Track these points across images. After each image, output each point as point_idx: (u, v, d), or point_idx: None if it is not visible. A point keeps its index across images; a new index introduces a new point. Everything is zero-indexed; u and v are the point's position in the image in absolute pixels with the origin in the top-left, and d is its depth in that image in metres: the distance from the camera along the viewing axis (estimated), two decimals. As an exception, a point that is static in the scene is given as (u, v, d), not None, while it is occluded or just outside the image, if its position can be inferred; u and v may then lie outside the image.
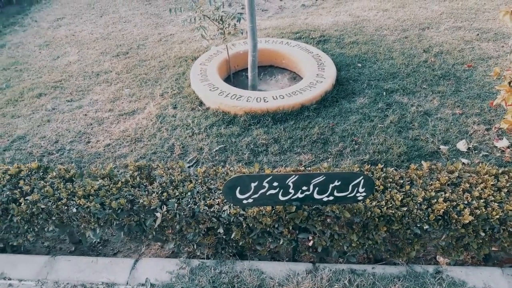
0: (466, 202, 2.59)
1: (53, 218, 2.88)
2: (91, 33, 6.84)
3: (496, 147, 4.02)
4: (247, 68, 5.03)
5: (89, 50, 6.28)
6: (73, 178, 3.07)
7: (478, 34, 6.00)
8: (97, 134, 4.49)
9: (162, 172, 2.99)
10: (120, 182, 2.92)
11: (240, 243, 2.80)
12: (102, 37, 6.69)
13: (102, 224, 2.85)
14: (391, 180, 2.80)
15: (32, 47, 6.52)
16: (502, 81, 2.50)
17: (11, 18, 7.69)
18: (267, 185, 2.49)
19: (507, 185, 2.70)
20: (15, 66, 5.97)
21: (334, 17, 6.83)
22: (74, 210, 2.77)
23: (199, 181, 2.89)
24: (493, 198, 2.60)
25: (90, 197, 2.83)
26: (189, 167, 3.96)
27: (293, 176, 2.47)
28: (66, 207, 2.81)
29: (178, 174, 2.95)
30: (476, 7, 6.91)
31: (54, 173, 3.06)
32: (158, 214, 2.69)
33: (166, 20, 7.17)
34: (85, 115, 4.79)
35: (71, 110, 4.90)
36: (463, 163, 3.80)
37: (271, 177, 2.47)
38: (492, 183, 2.72)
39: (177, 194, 2.76)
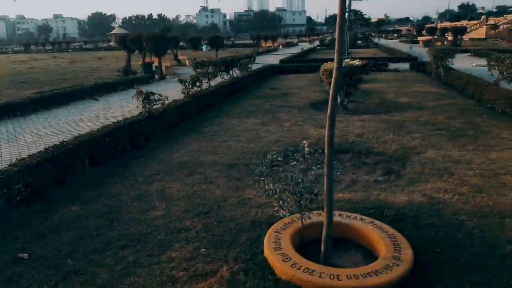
0: None
1: None
2: (178, 190, 7.57)
3: None
4: (320, 240, 5.12)
5: (175, 207, 6.88)
6: None
7: None
8: (170, 293, 4.61)
9: None
10: None
11: None
12: (187, 195, 7.36)
13: None
14: None
15: (125, 199, 7.31)
16: None
17: (113, 170, 8.87)
18: None
19: None
20: (108, 215, 6.65)
21: (407, 196, 6.96)
22: None
23: None
24: None
25: None
26: None
27: None
28: None
29: None
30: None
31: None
32: None
33: (246, 184, 7.79)
34: (161, 272, 5.00)
35: (150, 265, 5.17)
36: None
37: None
38: None
39: None
